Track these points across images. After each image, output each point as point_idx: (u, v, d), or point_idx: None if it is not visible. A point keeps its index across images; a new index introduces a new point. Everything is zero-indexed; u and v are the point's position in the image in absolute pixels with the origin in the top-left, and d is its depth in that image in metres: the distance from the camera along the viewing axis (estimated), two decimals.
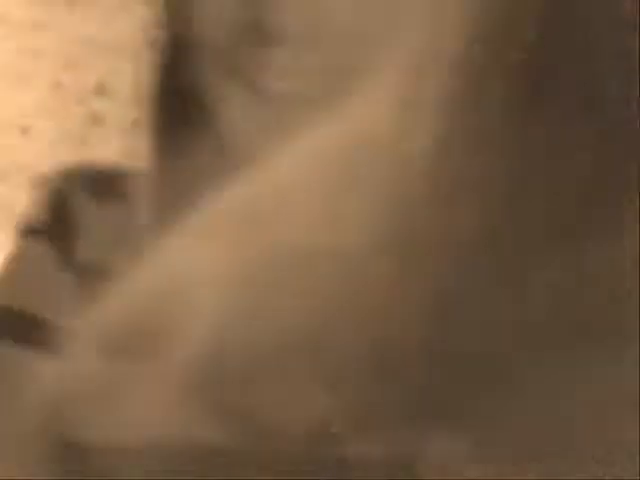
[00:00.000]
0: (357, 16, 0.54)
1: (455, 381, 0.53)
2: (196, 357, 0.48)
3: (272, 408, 0.53)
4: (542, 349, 0.40)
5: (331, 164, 0.41)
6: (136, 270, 0.45)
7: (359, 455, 0.56)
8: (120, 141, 2.71)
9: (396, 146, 0.38)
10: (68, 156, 2.36)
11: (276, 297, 0.41)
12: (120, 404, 0.55)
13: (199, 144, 0.60)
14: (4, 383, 0.62)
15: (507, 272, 0.38)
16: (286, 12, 0.54)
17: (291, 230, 0.41)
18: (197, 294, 0.43)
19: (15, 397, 0.61)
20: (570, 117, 0.38)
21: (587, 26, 0.39)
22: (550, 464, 0.58)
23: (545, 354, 0.40)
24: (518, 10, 0.38)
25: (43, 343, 0.62)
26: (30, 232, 0.67)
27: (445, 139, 0.38)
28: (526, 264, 0.40)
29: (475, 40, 0.37)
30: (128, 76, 2.51)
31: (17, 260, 0.67)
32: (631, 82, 0.37)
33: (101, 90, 2.34)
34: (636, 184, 0.39)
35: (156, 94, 0.63)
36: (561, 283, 0.39)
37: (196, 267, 0.43)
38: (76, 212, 0.67)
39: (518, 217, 0.40)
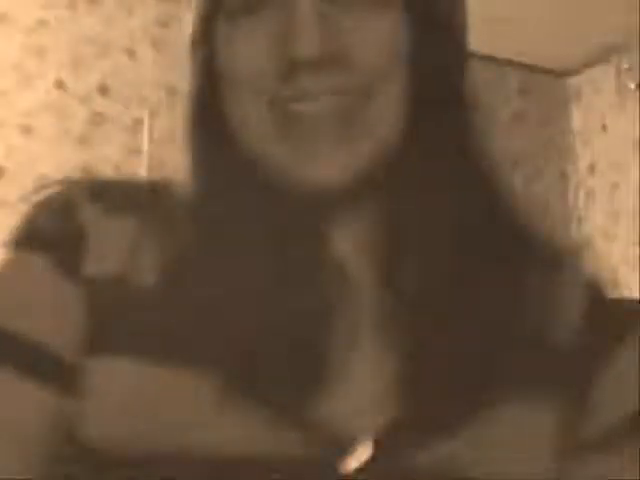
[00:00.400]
0: None
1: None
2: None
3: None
4: None
5: None
6: None
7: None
8: (122, 140, 2.69)
9: None
10: (70, 155, 2.37)
11: None
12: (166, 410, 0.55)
13: (230, 160, 0.60)
14: None
15: None
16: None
17: None
18: None
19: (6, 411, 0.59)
20: None
21: None
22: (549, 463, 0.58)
23: None
24: None
25: (36, 368, 0.58)
26: (31, 244, 0.62)
27: None
28: None
29: None
30: (131, 76, 2.50)
31: (15, 274, 0.62)
32: None
33: (104, 90, 2.34)
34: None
35: (191, 116, 0.62)
36: None
37: None
38: (85, 224, 0.62)
39: None
